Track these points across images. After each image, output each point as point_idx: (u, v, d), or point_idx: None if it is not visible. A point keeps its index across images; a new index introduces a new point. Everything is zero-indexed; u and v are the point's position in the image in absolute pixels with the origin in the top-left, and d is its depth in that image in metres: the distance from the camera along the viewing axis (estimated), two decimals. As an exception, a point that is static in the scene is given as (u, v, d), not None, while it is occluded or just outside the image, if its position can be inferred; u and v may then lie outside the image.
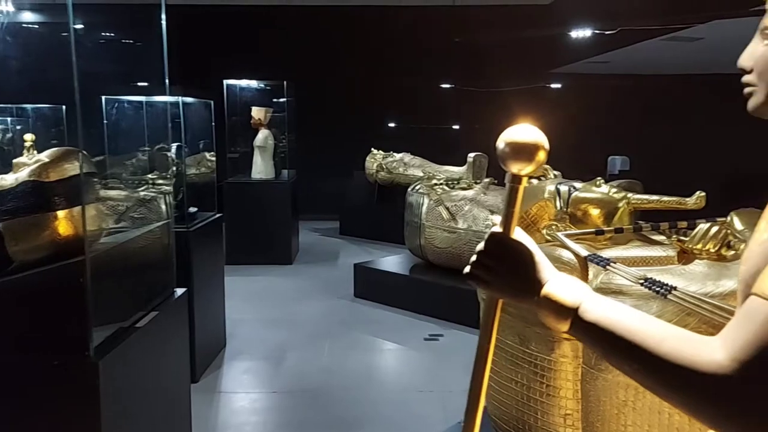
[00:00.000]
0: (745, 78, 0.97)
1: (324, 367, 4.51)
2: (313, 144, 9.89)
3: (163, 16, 2.73)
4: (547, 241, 2.66)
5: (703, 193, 2.37)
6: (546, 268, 0.97)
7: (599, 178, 2.71)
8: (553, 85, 11.24)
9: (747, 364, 0.76)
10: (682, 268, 2.15)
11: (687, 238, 2.18)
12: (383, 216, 8.51)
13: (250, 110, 7.74)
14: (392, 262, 6.55)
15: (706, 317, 1.85)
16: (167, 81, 2.83)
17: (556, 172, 2.98)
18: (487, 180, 6.07)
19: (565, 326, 0.92)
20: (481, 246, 0.99)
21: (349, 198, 9.53)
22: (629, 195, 2.58)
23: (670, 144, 10.30)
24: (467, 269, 0.99)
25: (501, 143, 0.95)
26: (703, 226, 2.16)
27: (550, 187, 2.77)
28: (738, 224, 2.25)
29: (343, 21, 10.26)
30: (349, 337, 5.14)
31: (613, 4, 7.91)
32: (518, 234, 0.99)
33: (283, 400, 4.03)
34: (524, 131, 0.94)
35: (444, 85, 10.60)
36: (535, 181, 2.98)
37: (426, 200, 6.09)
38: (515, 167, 0.95)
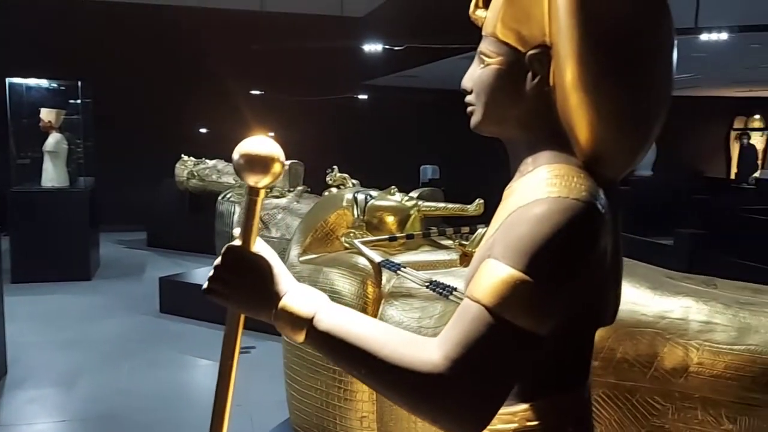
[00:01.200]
0: (467, 98, 1.05)
1: (122, 390, 4.19)
2: (116, 149, 9.21)
3: None
4: (346, 248, 2.72)
5: (482, 201, 2.56)
6: (284, 281, 0.96)
7: (393, 186, 2.83)
8: (368, 97, 11.57)
9: (457, 361, 0.81)
10: (463, 271, 2.30)
11: (468, 242, 2.34)
12: (194, 226, 8.14)
13: (39, 112, 7.02)
14: (203, 273, 6.29)
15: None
16: None
17: (354, 181, 3.05)
18: (300, 188, 6.06)
19: (300, 337, 0.92)
20: (218, 260, 0.96)
21: (158, 207, 8.98)
22: (419, 203, 2.72)
23: (472, 154, 11.11)
24: (205, 284, 0.96)
25: (236, 155, 0.92)
26: (481, 231, 2.33)
27: (348, 196, 2.83)
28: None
29: (148, 20, 9.73)
30: (152, 356, 4.83)
31: (421, 21, 8.37)
32: (258, 246, 0.97)
33: (75, 429, 3.69)
34: (259, 143, 0.92)
35: (255, 92, 10.45)
36: (334, 190, 3.03)
37: (237, 209, 5.94)
38: (252, 180, 0.93)
